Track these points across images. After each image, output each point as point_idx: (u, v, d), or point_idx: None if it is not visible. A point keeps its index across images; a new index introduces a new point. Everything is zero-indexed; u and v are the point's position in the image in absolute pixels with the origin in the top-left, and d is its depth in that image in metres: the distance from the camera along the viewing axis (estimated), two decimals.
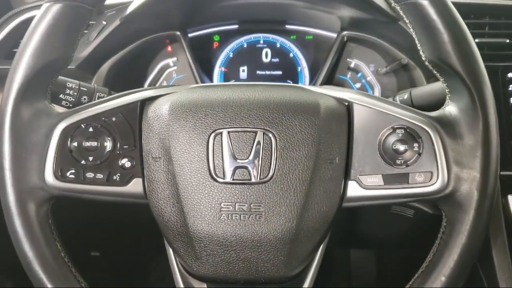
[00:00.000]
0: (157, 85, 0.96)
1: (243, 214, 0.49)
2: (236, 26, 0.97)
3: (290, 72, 0.97)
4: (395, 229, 0.88)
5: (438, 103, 0.61)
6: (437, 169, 0.49)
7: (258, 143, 0.50)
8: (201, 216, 0.49)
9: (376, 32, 0.86)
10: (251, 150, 0.50)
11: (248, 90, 0.54)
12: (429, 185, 0.50)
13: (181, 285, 0.55)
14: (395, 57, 0.88)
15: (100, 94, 0.71)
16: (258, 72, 0.97)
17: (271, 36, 0.97)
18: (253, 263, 0.49)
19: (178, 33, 0.91)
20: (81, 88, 0.68)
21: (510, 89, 0.72)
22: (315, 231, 0.50)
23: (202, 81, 0.91)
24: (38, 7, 0.84)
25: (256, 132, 0.50)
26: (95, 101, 0.55)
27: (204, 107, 0.51)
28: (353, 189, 0.51)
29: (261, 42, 0.97)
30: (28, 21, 0.84)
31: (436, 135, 0.50)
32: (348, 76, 0.94)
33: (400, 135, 0.51)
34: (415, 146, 0.50)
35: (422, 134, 0.50)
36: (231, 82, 0.60)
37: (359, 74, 0.93)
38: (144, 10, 0.82)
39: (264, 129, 0.50)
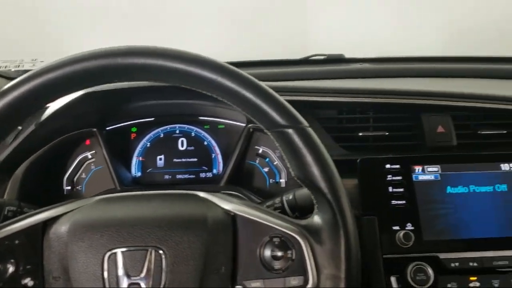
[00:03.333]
0: (76, 177, 1.00)
1: None
2: (152, 119, 1.04)
3: (204, 159, 1.04)
4: None
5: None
6: (308, 272, 0.57)
7: (150, 260, 0.55)
8: None
9: None
10: (143, 267, 0.55)
11: (144, 207, 0.60)
12: (302, 287, 0.57)
13: None
14: None
15: (9, 208, 0.74)
16: (174, 160, 1.04)
17: (186, 126, 1.04)
18: None
19: (95, 129, 0.97)
20: None
21: (388, 178, 0.82)
22: None
23: (117, 173, 0.96)
24: None
25: (147, 250, 0.55)
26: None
27: (101, 228, 0.57)
28: None
29: (177, 131, 1.05)
30: None
31: (306, 242, 0.57)
32: (257, 161, 1.02)
33: (277, 243, 0.58)
34: (289, 253, 0.58)
35: (294, 242, 0.58)
36: (133, 193, 0.66)
37: (267, 159, 1.02)
38: (60, 114, 0.87)
39: (155, 246, 0.56)
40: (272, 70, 1.28)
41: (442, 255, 0.77)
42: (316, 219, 0.59)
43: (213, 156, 1.04)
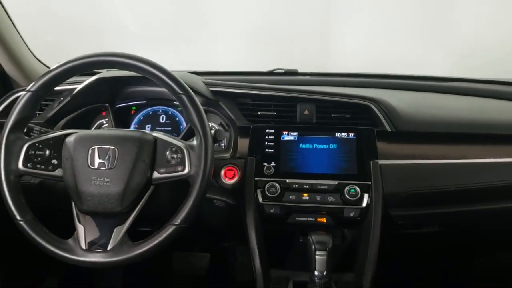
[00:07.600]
0: None
1: (101, 182, 1.12)
2: (145, 101, 1.64)
3: (175, 129, 1.61)
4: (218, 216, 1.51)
5: None
6: (186, 164, 1.13)
7: (110, 152, 1.14)
8: (83, 183, 1.13)
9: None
10: (107, 155, 1.13)
11: (112, 131, 1.19)
12: (184, 171, 1.13)
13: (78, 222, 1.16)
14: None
15: (37, 128, 1.33)
16: (156, 128, 1.63)
17: (166, 108, 1.63)
18: (105, 203, 1.11)
19: (107, 104, 1.58)
20: (41, 129, 1.34)
21: (266, 137, 1.37)
22: (134, 191, 1.11)
23: None
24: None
25: (109, 148, 1.14)
26: (45, 133, 1.19)
27: (89, 137, 1.16)
28: (156, 175, 1.14)
29: (160, 111, 1.63)
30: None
31: (187, 151, 1.13)
32: None
33: (174, 150, 1.14)
34: (179, 154, 1.13)
35: (181, 151, 1.14)
36: (111, 129, 1.27)
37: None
38: (82, 92, 1.49)
39: (113, 146, 1.14)
40: (247, 77, 1.88)
41: (289, 180, 1.32)
42: (194, 141, 1.16)
43: (181, 127, 1.62)
